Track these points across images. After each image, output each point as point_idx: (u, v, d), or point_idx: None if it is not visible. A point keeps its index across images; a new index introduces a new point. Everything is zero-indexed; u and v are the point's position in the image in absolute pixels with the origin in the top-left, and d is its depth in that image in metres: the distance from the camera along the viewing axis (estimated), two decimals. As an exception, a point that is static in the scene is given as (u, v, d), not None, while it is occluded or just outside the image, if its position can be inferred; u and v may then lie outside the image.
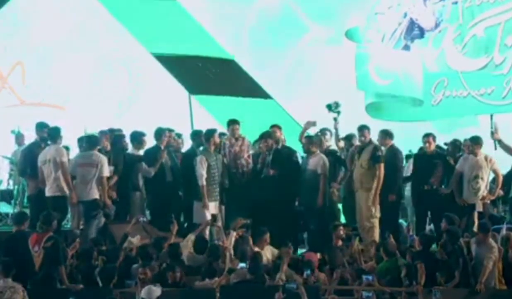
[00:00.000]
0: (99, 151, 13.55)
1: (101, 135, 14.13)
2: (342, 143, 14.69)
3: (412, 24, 17.27)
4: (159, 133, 13.86)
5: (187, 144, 14.71)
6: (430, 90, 17.26)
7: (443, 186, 14.11)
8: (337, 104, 14.78)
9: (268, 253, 12.39)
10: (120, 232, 12.82)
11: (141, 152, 13.95)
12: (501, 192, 14.15)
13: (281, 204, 13.62)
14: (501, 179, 14.02)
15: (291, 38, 18.98)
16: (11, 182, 16.76)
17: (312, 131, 14.54)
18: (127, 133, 14.21)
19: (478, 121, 16.93)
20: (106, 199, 13.29)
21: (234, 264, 11.90)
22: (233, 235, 12.47)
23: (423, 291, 11.43)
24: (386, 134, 14.08)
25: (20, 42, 20.00)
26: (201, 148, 13.90)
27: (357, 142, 14.11)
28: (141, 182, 13.84)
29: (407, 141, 15.12)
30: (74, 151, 14.32)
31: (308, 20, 18.89)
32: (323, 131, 14.67)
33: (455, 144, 14.36)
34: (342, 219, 14.37)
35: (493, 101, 16.61)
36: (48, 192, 13.23)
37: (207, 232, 13.15)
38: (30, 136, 15.01)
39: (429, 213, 14.24)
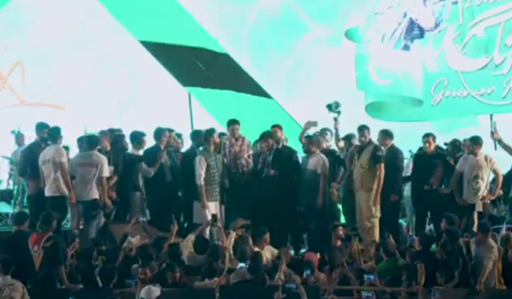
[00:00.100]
0: (99, 151, 13.55)
1: (101, 135, 14.12)
2: (342, 144, 14.69)
3: (412, 24, 17.27)
4: (159, 133, 13.86)
5: (187, 145, 14.71)
6: (430, 90, 17.25)
7: (443, 186, 14.11)
8: (337, 104, 14.77)
9: (267, 253, 12.39)
10: (120, 232, 12.82)
11: (141, 152, 13.95)
12: (501, 192, 14.15)
13: (281, 203, 13.61)
14: (501, 179, 14.02)
15: (291, 38, 18.97)
16: (11, 182, 16.77)
17: (312, 131, 14.54)
18: (127, 133, 14.21)
19: (478, 121, 16.92)
20: (106, 199, 13.29)
21: (233, 264, 11.90)
22: (233, 235, 12.47)
23: (423, 291, 11.43)
24: (386, 134, 14.08)
25: (20, 42, 19.99)
26: (200, 148, 13.90)
27: (356, 142, 14.11)
28: (141, 182, 13.84)
29: (407, 141, 15.11)
30: (74, 151, 14.31)
31: (308, 20, 18.88)
32: (323, 131, 14.67)
33: (455, 144, 14.35)
34: (342, 219, 14.37)
35: (493, 101, 16.61)
36: (47, 192, 13.23)
37: (207, 232, 13.15)
38: (30, 137, 15.01)
39: (428, 213, 14.24)
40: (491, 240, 11.99)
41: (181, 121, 16.25)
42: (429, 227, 14.23)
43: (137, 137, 13.97)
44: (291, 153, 14.21)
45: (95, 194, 13.22)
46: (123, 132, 14.32)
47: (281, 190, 13.71)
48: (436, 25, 17.23)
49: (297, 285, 11.07)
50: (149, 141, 14.03)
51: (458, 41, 17.02)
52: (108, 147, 13.91)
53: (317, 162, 13.73)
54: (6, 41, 19.97)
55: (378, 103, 17.61)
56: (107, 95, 19.81)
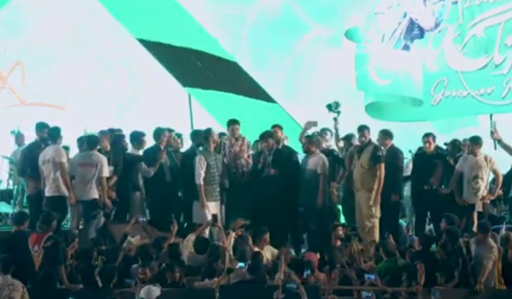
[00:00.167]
0: (99, 151, 13.55)
1: (101, 135, 14.12)
2: (341, 144, 14.69)
3: (412, 24, 17.27)
4: (158, 133, 13.85)
5: (187, 145, 14.71)
6: (430, 90, 17.26)
7: (443, 186, 14.11)
8: (337, 104, 14.77)
9: (267, 253, 12.39)
10: (119, 232, 12.82)
11: (141, 152, 13.95)
12: (501, 192, 14.15)
13: (281, 203, 13.61)
14: (501, 179, 14.02)
15: (291, 38, 18.97)
16: (11, 182, 16.77)
17: (312, 131, 14.54)
18: (127, 133, 14.21)
19: (478, 121, 16.92)
20: (105, 199, 13.28)
21: (233, 264, 11.90)
22: (232, 235, 12.47)
23: (423, 291, 11.43)
24: (386, 134, 14.07)
25: (20, 42, 19.99)
26: (200, 148, 13.90)
27: (356, 142, 14.10)
28: (141, 182, 13.84)
29: (407, 141, 15.10)
30: (74, 151, 14.31)
31: (308, 20, 18.88)
32: (323, 131, 14.68)
33: (454, 144, 14.35)
34: (342, 219, 14.37)
35: (493, 101, 16.61)
36: (47, 192, 13.23)
37: (207, 232, 13.15)
38: (30, 137, 15.01)
39: (428, 213, 14.24)
40: (491, 240, 11.99)
41: (181, 121, 16.24)
42: (429, 227, 14.23)
43: (137, 137, 13.97)
44: (291, 153, 14.21)
45: (95, 194, 13.22)
46: (123, 132, 14.32)
47: (282, 190, 13.71)
48: (436, 25, 17.23)
49: (297, 285, 11.06)
50: (149, 141, 14.03)
51: (458, 41, 17.03)
52: (108, 148, 13.91)
53: (317, 161, 13.73)
54: (6, 41, 19.97)
55: (378, 103, 17.62)
56: (107, 95, 19.81)
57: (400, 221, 14.57)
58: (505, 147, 14.10)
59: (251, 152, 14.27)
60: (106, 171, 13.25)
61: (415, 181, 14.33)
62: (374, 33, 17.51)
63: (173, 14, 18.98)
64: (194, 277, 11.80)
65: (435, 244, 12.62)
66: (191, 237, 12.51)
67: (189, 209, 13.72)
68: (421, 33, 17.30)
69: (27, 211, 13.53)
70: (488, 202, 14.10)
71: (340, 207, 14.54)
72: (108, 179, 13.40)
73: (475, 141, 13.83)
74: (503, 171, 14.26)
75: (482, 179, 13.73)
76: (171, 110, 17.99)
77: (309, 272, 11.70)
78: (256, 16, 19.19)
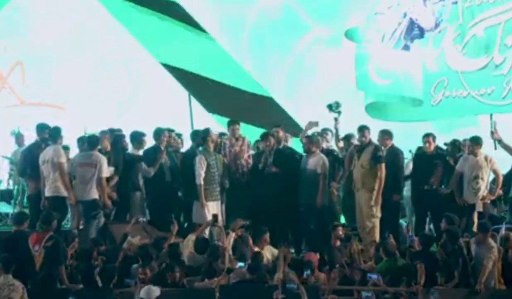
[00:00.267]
0: (99, 151, 13.54)
1: (102, 135, 14.12)
2: (341, 144, 14.69)
3: (412, 24, 17.28)
4: (158, 133, 13.86)
5: (187, 145, 14.71)
6: (430, 90, 17.27)
7: (443, 186, 14.11)
8: (337, 104, 14.77)
9: (268, 253, 12.39)
10: (120, 232, 12.82)
11: (141, 152, 13.95)
12: (501, 192, 14.15)
13: (282, 203, 13.62)
14: (501, 179, 14.01)
15: (291, 38, 18.95)
16: (11, 182, 16.77)
17: (313, 131, 14.54)
18: (127, 133, 14.21)
19: (478, 121, 16.91)
20: (105, 199, 13.28)
21: (233, 264, 11.91)
22: (232, 235, 12.46)
23: (423, 291, 11.42)
24: (386, 134, 14.07)
25: (20, 42, 19.98)
26: (200, 148, 13.90)
27: (356, 142, 14.09)
28: (141, 182, 13.84)
29: (407, 142, 15.10)
30: (74, 151, 14.32)
31: (308, 20, 18.87)
32: (324, 131, 14.68)
33: (455, 145, 14.35)
34: (342, 219, 14.37)
35: (493, 101, 16.63)
36: (47, 192, 13.23)
37: (207, 232, 13.14)
38: (30, 137, 15.01)
39: (428, 213, 14.24)
40: (491, 240, 11.99)
41: (181, 121, 16.23)
42: (429, 227, 14.23)
43: (137, 138, 13.97)
44: (293, 152, 14.23)
45: (95, 194, 13.22)
46: (123, 132, 14.32)
47: (283, 189, 13.71)
48: (436, 25, 17.24)
49: (298, 285, 11.06)
50: (149, 141, 14.03)
51: (458, 41, 17.04)
52: (109, 148, 13.91)
53: (317, 161, 13.73)
54: (6, 41, 19.96)
55: (378, 103, 17.63)
56: (107, 95, 19.79)
57: (400, 221, 14.58)
58: (505, 147, 14.11)
59: (251, 152, 14.27)
60: (106, 171, 13.25)
61: (415, 181, 14.33)
62: (374, 33, 17.52)
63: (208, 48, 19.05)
64: (194, 277, 11.80)
65: (435, 244, 12.62)
66: (191, 237, 12.51)
67: (189, 209, 13.71)
68: (421, 33, 17.31)
69: (27, 211, 13.53)
70: (489, 202, 14.10)
71: (340, 207, 14.53)
72: (109, 179, 13.40)
73: (475, 141, 13.83)
74: (503, 171, 14.26)
75: (482, 179, 13.73)
76: (171, 110, 17.98)
77: (309, 272, 11.70)
78: (256, 16, 19.18)
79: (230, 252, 12.17)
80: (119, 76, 19.98)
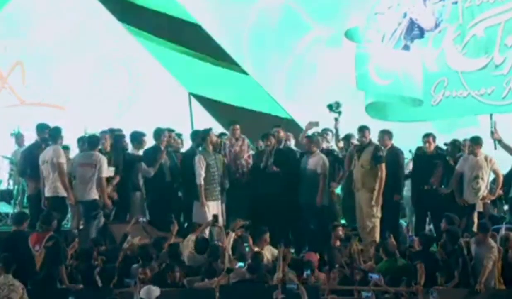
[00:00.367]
0: (100, 151, 13.54)
1: (102, 135, 14.12)
2: (341, 144, 14.69)
3: (412, 24, 17.28)
4: (158, 133, 13.86)
5: (187, 145, 14.71)
6: (430, 90, 17.27)
7: (442, 186, 14.10)
8: (338, 105, 14.77)
9: (268, 253, 12.39)
10: (120, 232, 12.81)
11: (141, 152, 13.95)
12: (501, 192, 14.14)
13: (282, 202, 13.63)
14: (501, 179, 14.01)
15: (291, 38, 18.95)
16: (11, 182, 16.77)
17: (313, 131, 14.55)
18: (127, 133, 14.21)
19: (478, 121, 16.91)
20: (105, 199, 13.27)
21: (232, 264, 11.91)
22: (232, 236, 12.45)
23: (423, 291, 11.42)
24: (386, 134, 14.07)
25: (20, 42, 19.98)
26: (200, 148, 13.91)
27: (355, 141, 14.09)
28: (141, 182, 13.84)
29: (407, 142, 15.10)
30: (74, 151, 14.32)
31: (308, 20, 18.86)
32: (324, 131, 14.68)
33: (455, 145, 14.35)
34: (342, 219, 14.37)
35: (493, 101, 16.63)
36: (47, 193, 13.23)
37: (207, 232, 13.15)
38: (30, 137, 15.01)
39: (428, 213, 14.24)
40: (490, 240, 11.98)
41: (181, 121, 16.24)
42: (429, 227, 14.23)
43: (137, 138, 13.97)
44: (293, 152, 14.23)
45: (95, 194, 13.21)
46: (123, 132, 14.32)
47: (283, 189, 13.72)
48: (436, 25, 17.24)
49: (298, 286, 11.06)
50: (149, 142, 14.03)
51: (458, 41, 17.04)
52: (108, 148, 13.90)
53: (317, 161, 13.74)
54: (6, 41, 19.95)
55: (378, 103, 17.63)
56: (107, 95, 19.79)
57: (400, 221, 14.58)
58: (505, 147, 14.10)
59: (251, 152, 14.28)
60: (105, 171, 13.24)
61: (415, 181, 14.33)
62: (374, 33, 17.52)
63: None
64: (194, 277, 11.80)
65: (435, 244, 12.62)
66: (191, 237, 12.51)
67: (189, 209, 13.72)
68: (421, 33, 17.31)
69: (27, 211, 13.53)
70: (489, 202, 14.10)
71: (340, 207, 14.53)
72: (111, 179, 13.40)
73: (476, 141, 13.83)
74: (503, 171, 14.26)
75: (482, 179, 13.73)
76: (171, 110, 17.98)
77: (309, 272, 11.70)
78: (256, 16, 19.17)
79: (230, 252, 12.17)
80: (119, 76, 19.97)
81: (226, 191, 13.89)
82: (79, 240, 12.66)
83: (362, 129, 13.88)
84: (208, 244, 12.47)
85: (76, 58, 19.61)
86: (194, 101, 17.72)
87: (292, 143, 14.61)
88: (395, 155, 13.96)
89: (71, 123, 16.69)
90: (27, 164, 13.81)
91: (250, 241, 12.51)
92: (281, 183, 13.75)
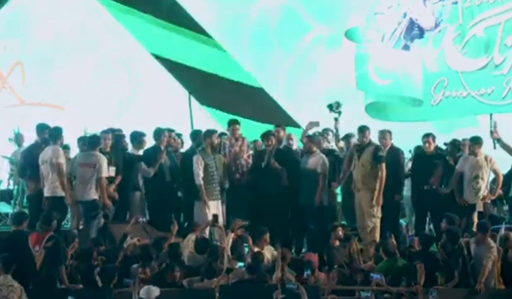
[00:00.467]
0: (100, 151, 13.54)
1: (104, 135, 14.12)
2: (341, 144, 14.69)
3: (412, 24, 17.28)
4: (158, 133, 13.86)
5: (187, 145, 14.71)
6: (430, 90, 17.27)
7: (442, 186, 14.10)
8: (338, 104, 14.78)
9: (267, 253, 12.39)
10: (120, 232, 12.80)
11: (141, 152, 13.95)
12: (501, 192, 14.15)
13: (282, 202, 13.63)
14: (501, 179, 14.01)
15: (291, 38, 18.96)
16: (11, 182, 16.77)
17: (314, 131, 14.55)
18: (127, 133, 14.21)
19: (478, 121, 16.91)
20: (105, 199, 13.27)
21: (232, 264, 11.91)
22: (231, 236, 12.45)
23: (423, 291, 11.42)
24: (386, 134, 14.07)
25: (20, 42, 20.00)
26: (199, 148, 13.91)
27: (355, 141, 14.08)
28: (141, 182, 13.83)
29: (407, 141, 15.11)
30: (74, 151, 14.32)
31: (309, 20, 18.87)
32: (325, 131, 14.68)
33: (454, 144, 14.36)
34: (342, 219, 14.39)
35: (493, 101, 16.63)
36: (46, 192, 13.23)
37: (207, 232, 13.15)
38: (30, 137, 15.01)
39: (428, 213, 14.24)
40: (490, 240, 11.98)
41: (181, 121, 16.24)
42: (429, 227, 14.23)
43: (137, 138, 13.97)
44: (293, 152, 14.23)
45: (95, 194, 13.20)
46: (123, 132, 14.32)
47: (283, 188, 13.72)
48: (436, 25, 17.24)
49: (298, 286, 11.06)
50: (149, 141, 14.03)
51: (458, 41, 17.04)
52: (108, 148, 13.90)
53: (317, 161, 13.74)
54: (6, 41, 19.98)
55: (378, 103, 17.63)
56: (107, 95, 19.81)
57: (400, 221, 14.58)
58: (505, 146, 14.10)
59: (251, 152, 14.28)
60: (105, 171, 13.24)
61: (415, 181, 14.33)
62: (374, 33, 17.52)
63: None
64: (193, 278, 11.80)
65: (435, 244, 12.62)
66: (191, 237, 12.51)
67: (189, 209, 13.72)
68: (421, 33, 17.31)
69: (27, 211, 13.53)
70: (489, 202, 14.10)
71: (340, 207, 14.54)
72: (112, 179, 13.40)
73: (476, 141, 13.83)
74: (503, 170, 14.26)
75: (482, 179, 13.72)
76: (171, 110, 17.98)
77: (309, 272, 11.70)
78: (256, 16, 19.19)
79: (229, 252, 12.16)
80: (119, 76, 20.00)
81: (226, 191, 13.89)
82: (79, 240, 12.67)
83: (362, 130, 13.87)
84: (208, 244, 12.47)
85: (76, 58, 19.64)
86: (194, 101, 17.71)
87: (294, 143, 14.58)
88: (395, 154, 13.96)
89: (71, 123, 16.68)
90: (27, 164, 13.81)
91: (250, 241, 12.51)
92: (281, 183, 13.74)
